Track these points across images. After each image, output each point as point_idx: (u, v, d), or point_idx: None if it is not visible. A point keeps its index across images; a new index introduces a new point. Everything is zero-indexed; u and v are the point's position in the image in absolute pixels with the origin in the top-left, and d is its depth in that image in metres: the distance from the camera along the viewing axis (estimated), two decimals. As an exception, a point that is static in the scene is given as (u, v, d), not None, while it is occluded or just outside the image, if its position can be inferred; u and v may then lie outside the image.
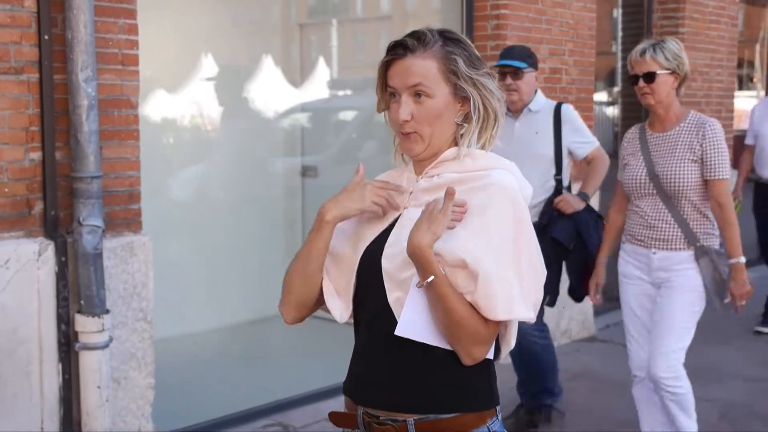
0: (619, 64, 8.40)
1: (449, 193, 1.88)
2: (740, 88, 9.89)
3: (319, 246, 2.05)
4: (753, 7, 10.00)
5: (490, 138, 2.06)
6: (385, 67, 2.05)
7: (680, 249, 3.99)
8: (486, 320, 1.91)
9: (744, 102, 10.20)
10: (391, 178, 2.14)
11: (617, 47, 8.23)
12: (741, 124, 9.75)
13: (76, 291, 3.84)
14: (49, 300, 3.80)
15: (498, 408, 2.05)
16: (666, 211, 3.99)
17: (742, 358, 6.33)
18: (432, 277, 1.87)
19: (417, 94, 2.00)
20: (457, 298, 1.88)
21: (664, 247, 4.02)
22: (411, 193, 2.08)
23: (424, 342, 1.94)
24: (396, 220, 2.06)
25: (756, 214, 7.34)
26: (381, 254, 2.00)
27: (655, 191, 4.00)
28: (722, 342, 6.65)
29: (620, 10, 8.16)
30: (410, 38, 2.01)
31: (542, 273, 1.98)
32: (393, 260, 1.98)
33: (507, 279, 1.89)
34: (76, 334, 3.85)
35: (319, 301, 2.12)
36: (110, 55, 3.96)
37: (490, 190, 1.94)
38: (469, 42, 2.05)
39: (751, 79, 10.49)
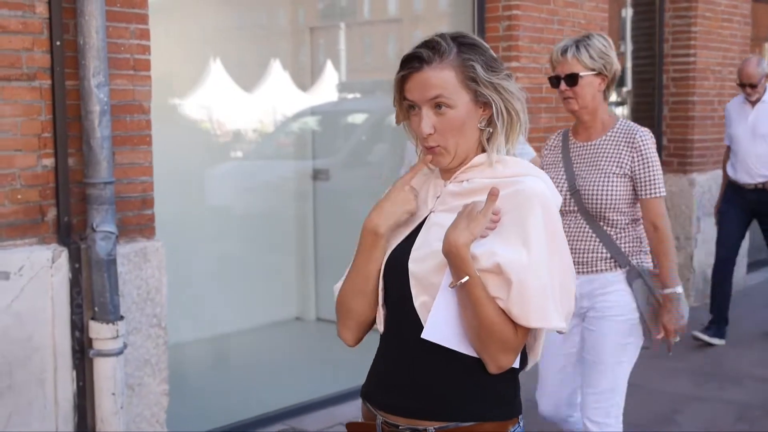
0: (630, 64, 8.36)
1: (492, 194, 1.86)
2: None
3: (378, 262, 2.01)
4: (761, 4, 9.94)
5: (515, 139, 2.02)
6: (401, 80, 2.00)
7: (605, 270, 3.48)
8: (516, 327, 1.87)
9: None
10: (414, 181, 2.09)
11: (626, 47, 8.19)
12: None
13: (90, 297, 3.82)
14: (63, 307, 3.78)
15: (520, 417, 2.02)
16: (588, 229, 3.48)
17: (758, 359, 6.28)
18: (467, 278, 1.84)
19: (437, 106, 1.96)
20: (489, 301, 1.86)
21: (586, 270, 3.49)
22: (438, 197, 2.04)
23: (450, 347, 1.91)
24: (421, 224, 2.03)
25: (721, 215, 6.80)
26: (407, 258, 1.97)
27: (576, 208, 3.49)
28: (738, 343, 6.61)
29: (630, 10, 8.12)
30: (425, 49, 1.96)
31: (572, 283, 1.95)
32: (421, 263, 1.95)
33: (541, 286, 1.86)
34: (90, 340, 3.83)
35: (374, 318, 2.09)
36: (122, 60, 3.94)
37: (523, 196, 1.91)
38: (484, 43, 2.01)
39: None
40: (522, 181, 1.94)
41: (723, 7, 7.94)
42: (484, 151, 2.02)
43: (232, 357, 5.63)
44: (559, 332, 1.95)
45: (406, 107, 2.03)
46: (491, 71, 1.96)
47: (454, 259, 1.84)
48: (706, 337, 6.56)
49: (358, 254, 2.03)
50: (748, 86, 6.43)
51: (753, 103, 6.55)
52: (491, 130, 2.00)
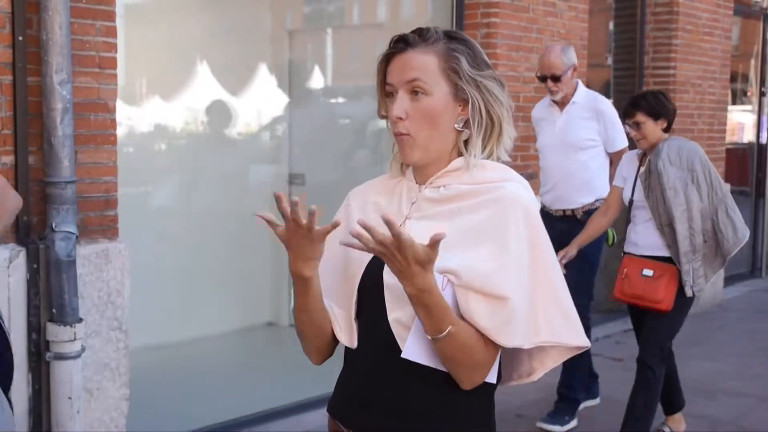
0: (612, 75, 8.34)
1: (435, 240, 1.66)
2: (734, 102, 9.84)
3: (315, 299, 1.89)
4: (748, 20, 9.95)
5: (495, 147, 1.91)
6: (386, 62, 1.91)
7: None
8: (486, 344, 1.79)
9: (738, 116, 10.16)
10: (383, 185, 2.01)
11: (611, 59, 8.17)
12: (734, 137, 9.71)
13: (48, 299, 3.74)
14: (20, 308, 3.70)
15: None
16: None
17: (731, 373, 6.24)
18: (450, 328, 1.74)
19: (414, 92, 1.85)
20: (468, 330, 1.77)
21: None
22: (414, 203, 1.93)
23: (432, 366, 1.82)
24: None
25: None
26: (382, 270, 1.86)
27: None
28: (711, 357, 6.57)
29: (612, 22, 8.11)
30: (412, 33, 1.89)
31: (562, 290, 1.87)
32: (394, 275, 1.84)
33: (520, 304, 1.78)
34: (47, 343, 3.75)
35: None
36: (87, 57, 3.87)
37: (504, 203, 1.82)
38: (477, 45, 1.92)
39: (745, 93, 10.43)
40: (503, 186, 1.85)
41: (704, 20, 7.93)
42: (461, 155, 1.91)
43: (196, 363, 5.55)
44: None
45: (386, 96, 1.92)
46: (476, 68, 1.87)
47: (425, 303, 1.72)
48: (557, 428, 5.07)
49: (296, 297, 1.90)
50: (549, 79, 5.02)
51: (561, 105, 5.17)
52: (469, 132, 1.89)
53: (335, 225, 1.76)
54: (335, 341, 1.99)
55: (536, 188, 6.00)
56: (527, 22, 6.07)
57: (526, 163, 6.12)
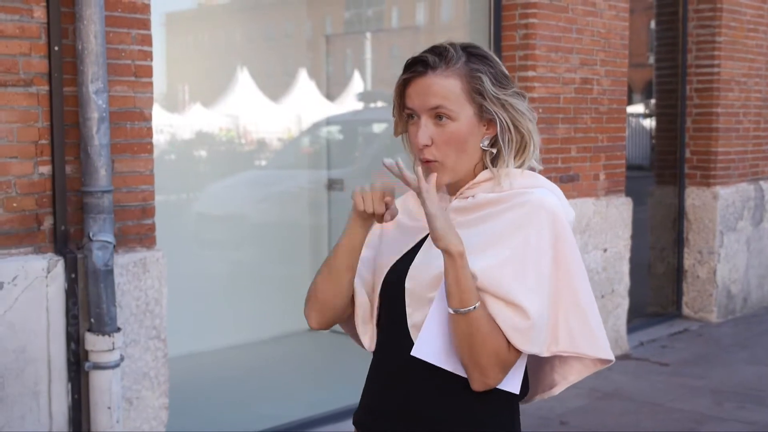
0: (655, 75, 8.21)
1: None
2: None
3: (347, 239, 1.90)
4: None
5: (527, 160, 1.89)
6: (403, 85, 1.88)
7: None
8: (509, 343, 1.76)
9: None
10: (414, 198, 1.98)
11: (653, 58, 8.05)
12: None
13: (86, 309, 3.74)
14: (59, 318, 3.70)
15: None
16: None
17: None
18: (477, 303, 1.72)
19: (438, 116, 1.82)
20: (492, 319, 1.75)
21: None
22: None
23: (440, 365, 1.79)
24: (421, 243, 1.91)
25: None
26: (405, 276, 1.86)
27: None
28: (761, 361, 6.43)
29: (654, 20, 7.98)
30: (431, 54, 1.84)
31: (587, 300, 1.82)
32: (417, 281, 1.83)
33: (544, 309, 1.76)
34: (86, 353, 3.74)
35: (345, 310, 1.97)
36: (123, 66, 3.86)
37: (527, 207, 1.78)
38: (496, 58, 1.88)
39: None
40: (530, 192, 1.82)
41: (748, 16, 7.77)
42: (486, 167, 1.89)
43: (235, 370, 5.54)
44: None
45: (405, 117, 1.90)
46: (500, 87, 1.84)
47: (457, 265, 1.72)
48: None
49: (344, 241, 1.92)
50: None
51: None
52: (495, 151, 1.86)
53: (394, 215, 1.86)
54: (340, 314, 1.98)
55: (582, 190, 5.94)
56: (566, 23, 5.98)
57: (567, 165, 6.04)
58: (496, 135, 1.85)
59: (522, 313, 1.73)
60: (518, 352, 1.78)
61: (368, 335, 1.97)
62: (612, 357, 1.85)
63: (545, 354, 1.80)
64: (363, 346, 2.00)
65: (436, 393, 1.83)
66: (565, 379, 1.94)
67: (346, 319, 2.01)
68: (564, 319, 1.80)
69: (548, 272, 1.77)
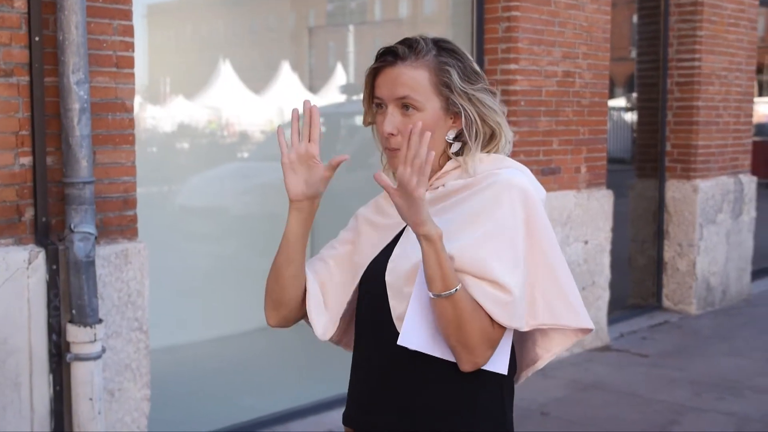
0: (636, 68, 8.25)
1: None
2: (761, 94, 9.72)
3: (285, 232, 1.94)
4: (773, 10, 9.82)
5: (496, 152, 1.92)
6: (373, 75, 1.90)
7: None
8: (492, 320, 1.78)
9: (765, 108, 10.03)
10: (386, 198, 2.00)
11: (635, 52, 8.08)
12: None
13: (68, 300, 3.73)
14: (40, 309, 3.69)
15: None
16: None
17: (759, 369, 6.15)
18: (459, 285, 1.74)
19: (405, 107, 1.86)
20: (472, 301, 1.76)
21: None
22: None
23: (428, 353, 1.80)
24: (398, 237, 1.93)
25: None
26: (384, 271, 1.88)
27: None
28: (739, 353, 6.49)
29: (635, 14, 8.01)
30: (401, 45, 1.87)
31: (562, 272, 1.85)
32: (397, 274, 1.85)
33: (521, 284, 1.78)
34: (67, 344, 3.74)
35: (299, 305, 2.00)
36: (104, 57, 3.85)
37: (497, 187, 1.81)
38: (467, 54, 1.91)
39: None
40: (500, 172, 1.85)
41: (729, 11, 7.82)
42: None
43: (217, 362, 5.54)
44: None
45: (374, 107, 1.93)
46: (467, 81, 1.87)
47: (433, 249, 1.72)
48: None
49: (288, 235, 1.98)
50: None
51: None
52: (460, 144, 1.90)
53: (341, 160, 1.88)
54: (296, 311, 2.01)
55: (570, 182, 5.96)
56: (549, 15, 6.00)
57: (549, 158, 6.06)
58: (462, 129, 1.88)
59: (502, 289, 1.75)
60: (503, 328, 1.80)
61: (322, 324, 1.98)
62: (591, 325, 1.88)
63: (525, 328, 1.82)
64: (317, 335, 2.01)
65: (425, 382, 1.85)
66: (549, 352, 1.97)
67: (304, 314, 2.02)
68: (541, 293, 1.83)
69: (523, 248, 1.79)
